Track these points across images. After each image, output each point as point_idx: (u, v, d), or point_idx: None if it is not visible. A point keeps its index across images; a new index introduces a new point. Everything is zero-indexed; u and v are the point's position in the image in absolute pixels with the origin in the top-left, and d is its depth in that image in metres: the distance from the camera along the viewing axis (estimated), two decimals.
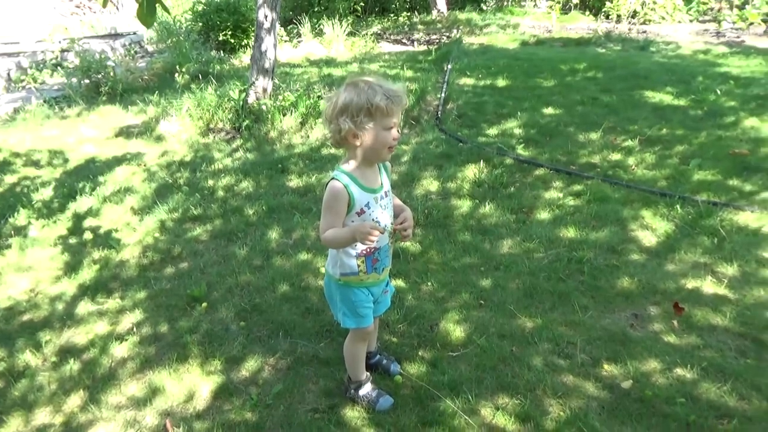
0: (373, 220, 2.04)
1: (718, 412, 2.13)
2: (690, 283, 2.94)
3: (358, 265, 2.08)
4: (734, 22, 10.62)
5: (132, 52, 9.78)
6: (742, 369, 2.33)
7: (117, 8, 11.59)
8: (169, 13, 2.48)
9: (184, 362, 2.63)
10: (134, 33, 11.19)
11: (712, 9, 11.74)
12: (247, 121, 5.78)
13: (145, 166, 5.21)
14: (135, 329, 2.93)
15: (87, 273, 3.51)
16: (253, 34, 9.37)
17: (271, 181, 4.63)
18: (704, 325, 2.63)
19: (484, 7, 12.96)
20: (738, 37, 9.78)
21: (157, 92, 7.04)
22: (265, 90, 6.06)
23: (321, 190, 4.37)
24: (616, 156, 4.62)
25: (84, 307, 3.18)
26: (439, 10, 12.25)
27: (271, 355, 2.64)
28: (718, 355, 2.43)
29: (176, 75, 8.02)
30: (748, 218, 3.50)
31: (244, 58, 9.40)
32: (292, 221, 3.91)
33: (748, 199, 3.78)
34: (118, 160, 5.38)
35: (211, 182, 4.68)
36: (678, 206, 3.66)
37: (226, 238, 3.79)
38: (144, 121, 6.39)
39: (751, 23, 10.40)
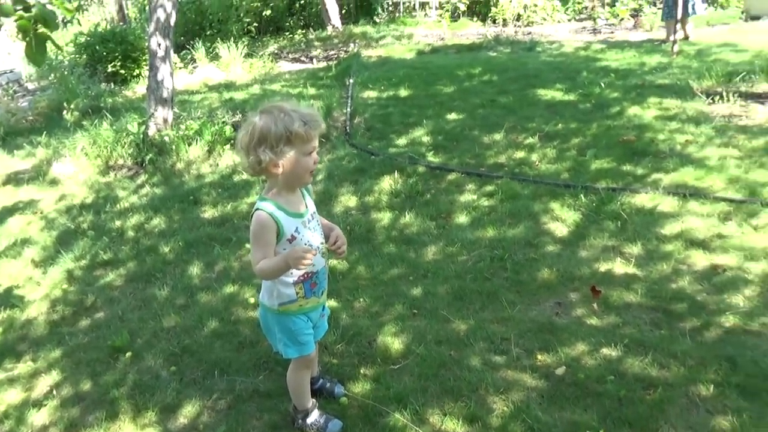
0: (305, 244, 2.02)
1: (643, 383, 2.30)
2: (602, 267, 3.14)
3: (297, 292, 2.06)
4: (607, 19, 11.51)
5: (10, 91, 9.10)
6: (658, 340, 2.53)
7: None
8: (60, 50, 2.34)
9: (115, 419, 2.48)
10: (11, 71, 10.43)
11: (586, 8, 12.66)
12: (150, 155, 5.54)
13: (41, 213, 4.86)
14: (54, 392, 2.72)
15: None
16: (144, 63, 9.04)
17: (185, 215, 4.46)
18: (620, 304, 2.82)
19: (378, 20, 13.20)
20: (612, 32, 10.59)
21: (45, 133, 6.59)
22: (165, 120, 5.85)
23: (238, 218, 4.28)
24: (520, 154, 4.85)
25: None
26: (333, 26, 12.35)
27: (209, 397, 2.54)
28: (636, 330, 2.62)
29: (64, 112, 7.54)
30: (643, 199, 3.79)
31: (138, 89, 9.00)
32: (212, 254, 3.79)
33: (641, 181, 4.10)
34: (10, 211, 4.98)
35: (118, 223, 4.45)
36: (582, 195, 3.90)
37: (144, 281, 3.61)
38: (34, 165, 5.96)
39: (622, 19, 11.33)
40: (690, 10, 8.36)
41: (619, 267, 3.13)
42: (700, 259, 3.11)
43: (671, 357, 2.41)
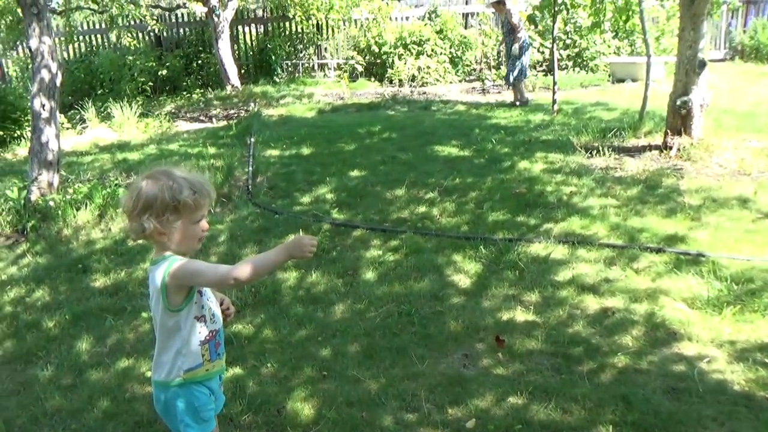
0: (206, 301, 1.95)
1: (549, 429, 2.37)
2: (505, 315, 3.26)
3: (203, 354, 1.94)
4: (494, 80, 12.39)
5: None
6: (559, 385, 2.63)
7: None
8: None
9: None
10: None
11: (475, 69, 13.57)
12: (32, 222, 5.13)
13: None
14: None
15: None
16: (27, 124, 8.50)
17: (72, 285, 4.14)
18: (523, 351, 2.92)
19: (277, 79, 13.35)
20: (498, 92, 11.39)
21: None
22: (50, 184, 5.48)
23: (133, 285, 4.03)
24: (421, 208, 5.01)
25: None
26: (233, 85, 12.32)
27: None
28: (540, 376, 2.72)
29: None
30: (538, 248, 4.01)
31: (19, 151, 8.40)
32: (104, 326, 3.52)
33: (534, 231, 4.35)
34: None
35: None
36: (482, 247, 4.07)
37: (23, 361, 3.27)
38: None
39: None
40: (524, 74, 9.54)
41: (520, 315, 3.26)
42: (591, 303, 3.31)
43: (573, 401, 2.51)
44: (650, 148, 6.18)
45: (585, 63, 12.79)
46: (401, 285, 3.69)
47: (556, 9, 8.34)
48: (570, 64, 12.84)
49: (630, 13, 8.28)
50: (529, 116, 8.42)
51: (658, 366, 2.74)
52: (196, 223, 1.88)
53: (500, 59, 12.90)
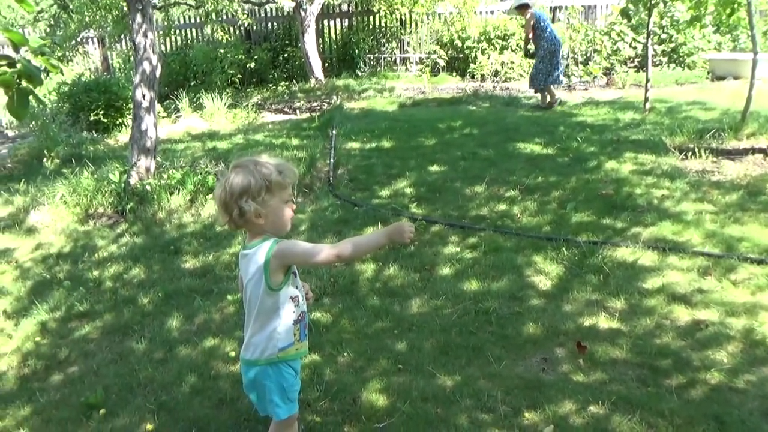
0: (299, 283, 2.10)
1: None
2: (587, 321, 3.15)
3: (294, 334, 2.05)
4: (581, 77, 11.94)
5: None
6: (645, 398, 2.51)
7: None
8: (43, 105, 2.35)
9: None
10: None
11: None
12: (131, 204, 5.48)
13: (16, 263, 4.74)
14: None
15: None
16: (128, 112, 9.09)
17: (165, 265, 4.39)
18: (606, 360, 2.81)
19: (360, 73, 13.50)
20: (585, 89, 10.97)
21: (23, 180, 6.50)
22: (148, 170, 5.82)
23: (219, 269, 4.22)
24: (501, 206, 4.92)
25: None
26: (317, 78, 12.59)
27: None
28: (623, 387, 2.60)
29: (44, 160, 7.48)
30: (624, 253, 3.84)
31: (120, 137, 9.00)
32: (192, 306, 3.71)
33: (621, 235, 4.17)
34: None
35: (96, 273, 4.35)
36: (564, 248, 3.94)
37: (121, 333, 3.51)
38: (10, 213, 5.84)
39: (595, 77, 11.77)
40: (559, 80, 9.24)
41: (604, 322, 3.13)
42: (682, 314, 3.14)
43: (659, 416, 2.39)
44: (753, 151, 5.74)
45: (681, 59, 12.06)
46: (479, 283, 3.65)
47: (652, 2, 7.89)
48: (665, 60, 12.14)
49: (735, 6, 7.69)
50: (617, 114, 8.05)
51: (757, 386, 2.56)
52: (286, 203, 2.00)
53: (588, 55, 12.43)
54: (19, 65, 2.12)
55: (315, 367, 2.92)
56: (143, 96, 5.73)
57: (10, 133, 10.08)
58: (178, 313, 3.64)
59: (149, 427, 2.64)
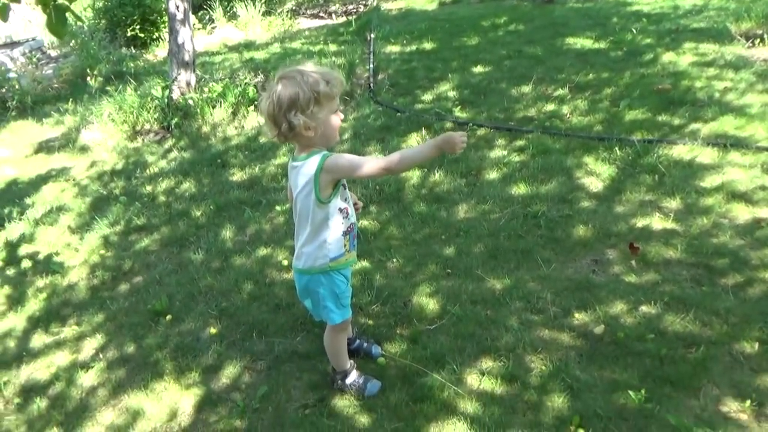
0: (348, 195, 2.10)
1: (685, 341, 2.27)
2: (640, 222, 3.07)
3: (345, 244, 2.09)
4: None
5: (34, 59, 9.11)
6: (699, 297, 2.48)
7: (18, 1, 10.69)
8: (81, 21, 2.32)
9: (160, 380, 2.55)
10: (33, 39, 10.41)
11: None
12: (175, 119, 5.54)
13: (74, 180, 4.93)
14: (100, 354, 2.80)
15: (34, 303, 3.33)
16: (163, 25, 8.96)
17: (214, 178, 4.48)
18: (659, 260, 2.76)
19: None
20: None
21: (71, 100, 6.63)
22: (188, 84, 5.81)
23: (266, 180, 4.28)
24: (550, 106, 4.72)
25: (39, 339, 3.02)
26: None
27: (249, 358, 2.60)
28: (677, 287, 2.57)
29: (88, 78, 7.55)
30: (681, 151, 3.67)
31: (158, 52, 8.95)
32: (243, 217, 3.81)
33: (678, 132, 3.96)
34: (43, 178, 5.07)
35: (149, 188, 4.49)
36: (616, 148, 3.79)
37: (178, 245, 3.66)
38: (63, 132, 6.02)
39: None
40: None
41: (658, 222, 3.05)
42: (742, 213, 3.02)
43: (713, 314, 2.37)
44: None
45: None
46: (527, 187, 3.58)
47: None
48: None
49: None
50: (677, 1, 7.43)
51: None
52: (334, 112, 1.97)
53: None
54: None
55: (365, 273, 3.00)
56: (177, 7, 5.60)
57: (53, 53, 10.15)
58: (230, 225, 3.74)
59: (213, 330, 2.80)
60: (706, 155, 3.57)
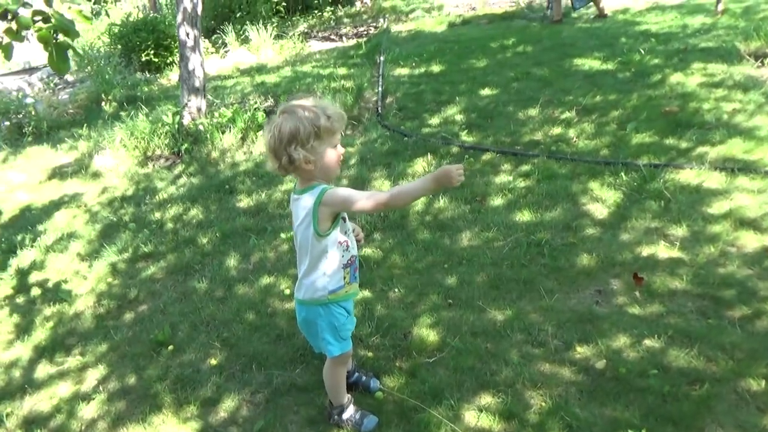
0: (348, 229, 2.10)
1: (689, 378, 2.21)
2: (645, 251, 3.03)
3: (344, 277, 2.09)
4: None
5: (51, 84, 9.33)
6: (705, 330, 2.43)
7: (28, 39, 11.00)
8: (81, 57, 2.36)
9: (158, 413, 2.55)
10: None
11: None
12: (185, 144, 5.61)
13: (85, 206, 5.00)
14: (101, 386, 2.81)
15: (41, 332, 3.35)
16: (177, 50, 9.10)
17: (221, 205, 4.52)
18: (664, 291, 2.71)
19: None
20: None
21: (85, 125, 6.74)
22: (199, 109, 5.89)
23: (272, 207, 4.30)
24: (557, 130, 4.70)
25: (43, 370, 3.04)
26: (362, 1, 12.17)
27: (248, 391, 2.59)
28: (682, 319, 2.52)
29: (103, 104, 7.70)
30: (688, 176, 3.63)
31: (172, 76, 9.10)
32: (248, 245, 3.83)
33: (685, 156, 3.92)
34: (56, 204, 5.14)
35: (158, 214, 4.54)
36: (622, 173, 3.76)
37: (183, 273, 3.68)
38: (76, 158, 6.12)
39: None
40: None
41: (663, 251, 3.01)
42: (750, 241, 2.96)
43: (719, 349, 2.31)
44: None
45: None
46: (531, 213, 3.56)
47: None
48: None
49: None
50: (685, 20, 7.41)
51: None
52: (334, 147, 1.99)
53: None
54: (53, 20, 2.12)
55: (366, 304, 2.98)
56: (187, 35, 5.71)
57: (70, 78, 10.37)
58: (235, 252, 3.76)
59: (213, 362, 2.80)
60: (714, 180, 3.52)
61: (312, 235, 2.00)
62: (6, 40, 2.23)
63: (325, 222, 1.98)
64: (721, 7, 7.30)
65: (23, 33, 2.15)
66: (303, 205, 1.99)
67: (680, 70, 5.49)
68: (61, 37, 2.22)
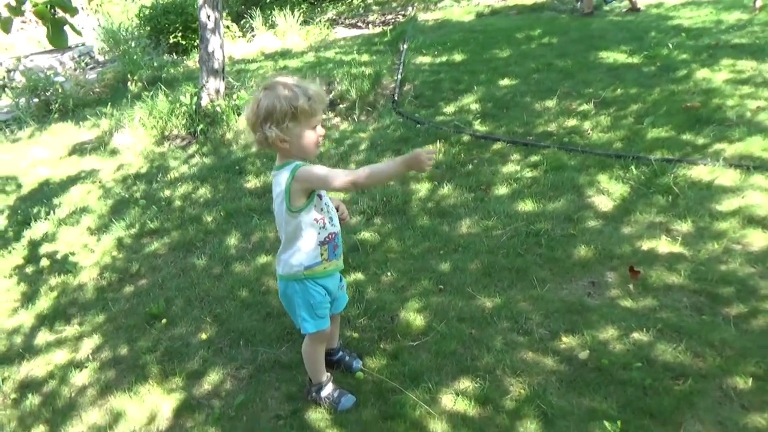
0: (325, 206, 2.08)
1: (673, 372, 2.14)
2: (646, 245, 2.94)
3: (321, 254, 2.08)
4: None
5: (82, 63, 9.54)
6: (697, 326, 2.34)
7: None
8: (79, 34, 2.38)
9: (145, 383, 2.59)
10: (83, 44, 10.90)
11: None
12: (201, 125, 5.67)
13: (100, 182, 5.10)
14: (94, 355, 2.87)
15: (44, 301, 3.44)
16: None
17: (229, 185, 4.55)
18: (660, 285, 2.63)
19: None
20: None
21: (109, 104, 6.87)
22: (217, 91, 5.94)
23: None
24: (572, 122, 4.60)
25: (42, 337, 3.12)
26: None
27: (233, 366, 2.61)
28: (674, 314, 2.44)
29: (129, 83, 7.84)
30: (701, 172, 3.50)
31: (198, 59, 9.20)
32: (250, 225, 3.85)
33: (701, 152, 3.78)
34: (73, 180, 5.26)
35: (168, 192, 4.60)
36: (633, 167, 3.65)
37: (185, 250, 3.73)
38: (97, 135, 6.25)
39: None
40: None
41: (664, 245, 2.91)
42: (757, 239, 2.84)
43: (708, 345, 2.23)
44: None
45: None
46: (534, 203, 3.49)
47: None
48: None
49: None
50: (721, 15, 7.14)
51: None
52: (313, 129, 1.96)
53: None
54: None
55: (357, 286, 2.97)
56: (207, 17, 5.76)
57: (101, 58, 10.60)
58: (236, 231, 3.79)
59: (204, 336, 2.83)
60: (727, 177, 3.39)
61: (285, 211, 1.99)
62: (6, 14, 2.27)
63: (299, 199, 1.97)
64: (759, 3, 7.02)
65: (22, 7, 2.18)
66: (278, 181, 1.99)
67: (708, 65, 5.30)
68: (60, 13, 2.24)
